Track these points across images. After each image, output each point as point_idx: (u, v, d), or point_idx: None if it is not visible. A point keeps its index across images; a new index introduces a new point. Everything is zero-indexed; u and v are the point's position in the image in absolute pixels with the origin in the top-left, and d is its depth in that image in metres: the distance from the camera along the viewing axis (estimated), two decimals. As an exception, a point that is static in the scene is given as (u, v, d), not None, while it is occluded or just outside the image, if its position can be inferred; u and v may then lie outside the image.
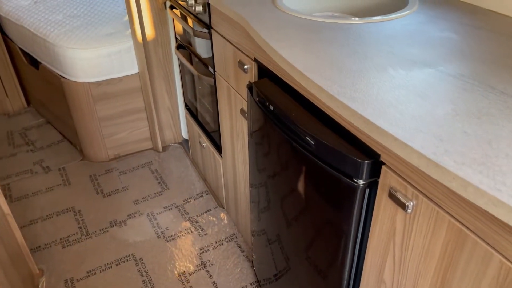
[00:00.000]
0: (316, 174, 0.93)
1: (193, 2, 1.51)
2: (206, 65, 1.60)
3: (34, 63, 2.33)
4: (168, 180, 2.11)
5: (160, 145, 2.32)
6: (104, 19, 2.27)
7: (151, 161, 2.25)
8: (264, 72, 1.18)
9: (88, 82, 2.03)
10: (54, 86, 2.19)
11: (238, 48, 1.29)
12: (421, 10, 1.18)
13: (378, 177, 0.80)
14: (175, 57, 2.12)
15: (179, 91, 2.22)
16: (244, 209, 1.65)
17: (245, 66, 1.25)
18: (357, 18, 1.12)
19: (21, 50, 2.41)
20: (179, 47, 1.87)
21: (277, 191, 1.15)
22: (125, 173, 2.17)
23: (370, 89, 0.81)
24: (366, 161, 0.80)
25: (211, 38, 1.48)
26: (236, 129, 1.48)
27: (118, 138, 2.24)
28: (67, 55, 1.97)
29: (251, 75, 1.23)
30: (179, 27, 1.85)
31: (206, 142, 1.88)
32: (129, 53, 2.04)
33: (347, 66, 0.89)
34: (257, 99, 1.11)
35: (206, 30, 1.48)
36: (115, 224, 1.87)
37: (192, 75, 1.86)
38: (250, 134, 1.27)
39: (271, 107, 1.04)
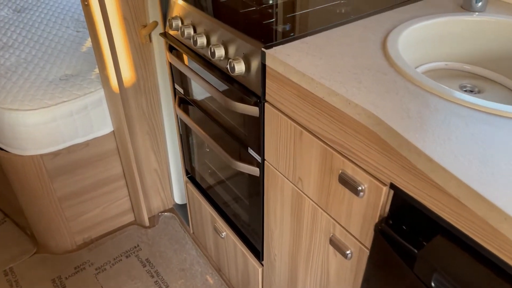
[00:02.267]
0: None
1: (223, 54, 0.93)
2: (246, 145, 1.03)
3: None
4: (168, 276, 1.53)
5: (146, 217, 1.72)
6: (50, 52, 1.59)
7: (138, 245, 1.65)
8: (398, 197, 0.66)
9: (40, 154, 1.37)
10: (-15, 155, 1.51)
11: (340, 152, 0.74)
12: None
13: None
14: (164, 106, 1.51)
15: (170, 147, 1.62)
16: None
17: (360, 188, 0.71)
18: None
19: None
20: (181, 102, 1.28)
21: None
22: (104, 269, 1.56)
23: None
24: None
25: (262, 114, 0.91)
26: (309, 251, 0.94)
27: (87, 218, 1.61)
28: (5, 121, 1.30)
29: (376, 204, 0.70)
30: (179, 71, 1.25)
31: (226, 231, 1.33)
32: (99, 107, 1.41)
33: None
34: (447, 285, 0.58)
35: (251, 100, 0.91)
36: None
37: (197, 137, 1.28)
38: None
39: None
